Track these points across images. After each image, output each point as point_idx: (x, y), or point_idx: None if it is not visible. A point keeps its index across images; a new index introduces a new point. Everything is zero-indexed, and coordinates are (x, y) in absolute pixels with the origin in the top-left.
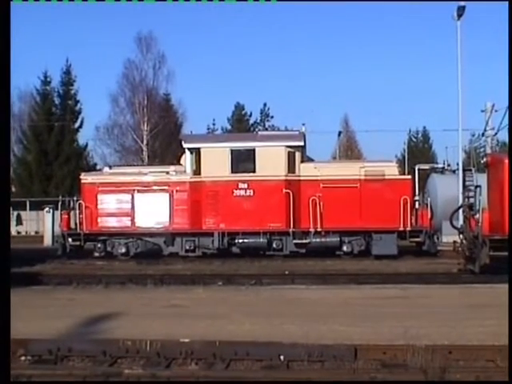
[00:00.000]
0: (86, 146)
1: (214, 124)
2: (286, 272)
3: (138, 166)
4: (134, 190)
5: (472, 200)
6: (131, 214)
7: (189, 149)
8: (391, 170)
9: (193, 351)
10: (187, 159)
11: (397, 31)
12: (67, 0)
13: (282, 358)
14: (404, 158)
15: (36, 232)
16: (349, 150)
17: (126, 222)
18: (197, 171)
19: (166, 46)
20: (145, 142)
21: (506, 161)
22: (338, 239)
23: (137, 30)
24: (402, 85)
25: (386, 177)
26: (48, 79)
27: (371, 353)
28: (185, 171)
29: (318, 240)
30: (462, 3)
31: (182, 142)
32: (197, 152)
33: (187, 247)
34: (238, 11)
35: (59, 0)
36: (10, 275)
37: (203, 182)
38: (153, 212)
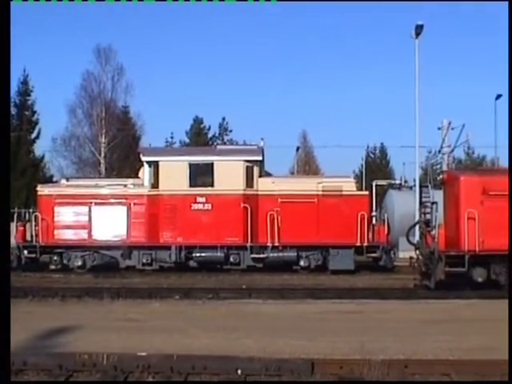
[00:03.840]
0: (43, 157)
1: (172, 137)
2: (244, 286)
3: (95, 178)
4: (91, 202)
5: (428, 216)
6: (88, 227)
7: (147, 162)
8: (349, 186)
9: (150, 365)
10: (145, 172)
11: (355, 48)
12: (67, 0)
13: (239, 372)
14: (362, 173)
15: None
16: (307, 165)
17: (83, 234)
18: (155, 184)
19: (124, 58)
20: (102, 154)
21: (462, 178)
22: (296, 254)
23: (96, 42)
24: (361, 101)
25: (344, 192)
26: None
27: (328, 367)
28: (143, 184)
29: (275, 254)
30: (420, 22)
31: (141, 155)
32: (155, 165)
33: (144, 260)
34: (197, 21)
35: (59, 0)
36: (9, 277)
37: (161, 195)
38: (110, 225)
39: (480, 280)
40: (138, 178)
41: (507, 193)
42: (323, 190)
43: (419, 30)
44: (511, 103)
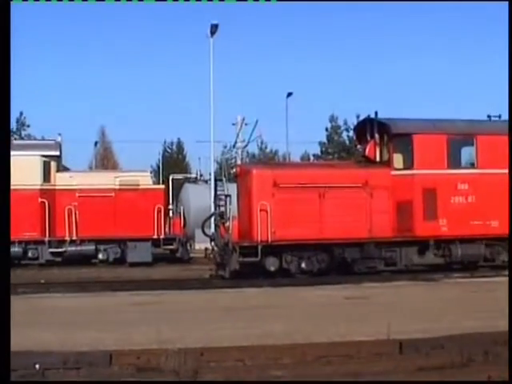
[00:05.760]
0: None
1: None
2: (42, 281)
3: None
4: None
5: (223, 209)
6: None
7: None
8: (145, 180)
9: None
10: None
11: (153, 44)
12: (67, 0)
13: (37, 366)
14: (159, 168)
15: None
16: (105, 160)
17: None
18: None
19: None
20: None
21: (254, 171)
22: (94, 247)
23: None
24: (157, 96)
25: (141, 186)
26: None
27: (125, 358)
28: None
29: (73, 248)
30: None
31: None
32: None
33: None
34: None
35: (59, 0)
36: (9, 275)
37: None
38: None
39: (272, 269)
40: None
41: (296, 185)
42: (120, 185)
43: (214, 29)
44: (511, 103)
